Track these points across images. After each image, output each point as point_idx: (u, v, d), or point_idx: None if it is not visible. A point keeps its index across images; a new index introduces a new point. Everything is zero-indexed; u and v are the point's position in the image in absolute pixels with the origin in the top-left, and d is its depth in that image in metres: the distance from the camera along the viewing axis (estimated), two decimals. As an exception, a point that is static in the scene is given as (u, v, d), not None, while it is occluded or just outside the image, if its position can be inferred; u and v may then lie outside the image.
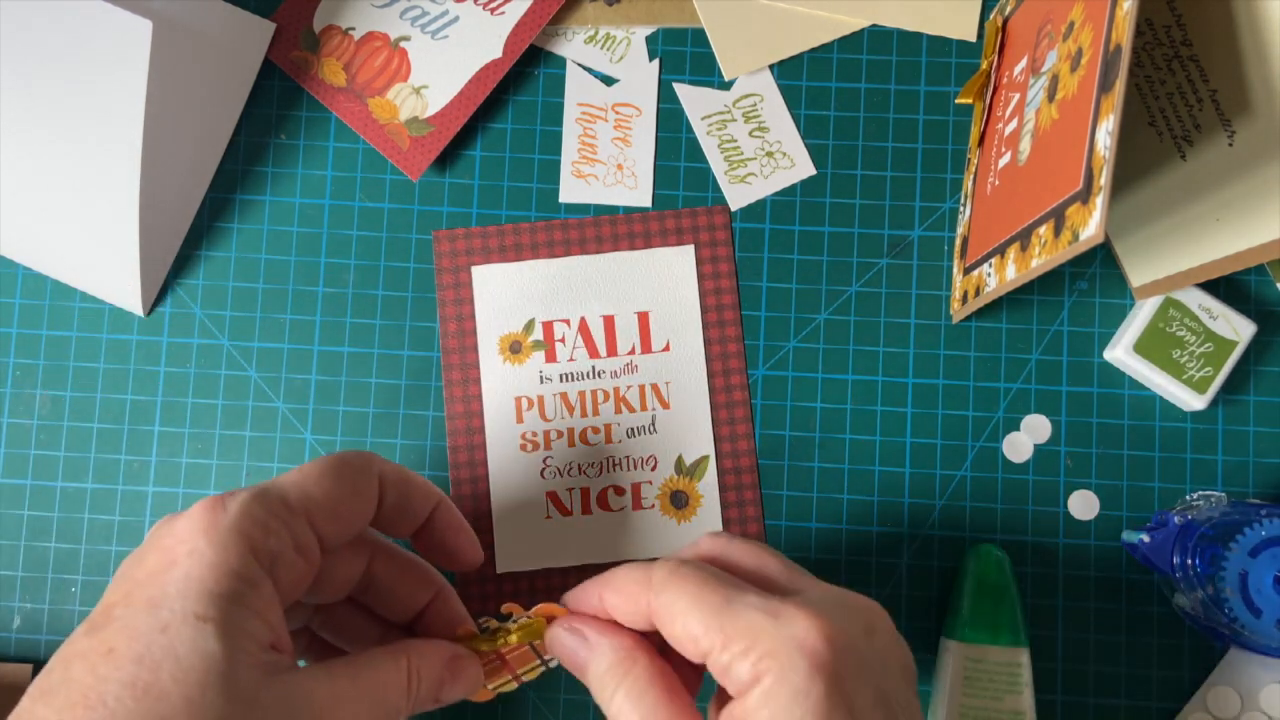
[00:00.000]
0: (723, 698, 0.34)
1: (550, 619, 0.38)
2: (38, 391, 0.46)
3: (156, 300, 0.47)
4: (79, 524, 0.45)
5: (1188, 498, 0.44)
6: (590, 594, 0.36)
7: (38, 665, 0.44)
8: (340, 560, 0.37)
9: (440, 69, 0.47)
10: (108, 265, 0.45)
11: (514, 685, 0.40)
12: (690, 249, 0.46)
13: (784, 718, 0.31)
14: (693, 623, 0.33)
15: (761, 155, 0.47)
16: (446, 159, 0.47)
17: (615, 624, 0.36)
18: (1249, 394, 0.46)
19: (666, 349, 0.46)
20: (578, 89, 0.48)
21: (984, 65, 0.46)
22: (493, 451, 0.46)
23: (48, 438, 0.46)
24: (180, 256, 0.47)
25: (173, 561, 0.31)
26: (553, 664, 0.39)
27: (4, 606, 0.45)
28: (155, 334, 0.46)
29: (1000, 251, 0.40)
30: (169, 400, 0.46)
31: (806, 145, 0.47)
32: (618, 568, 0.36)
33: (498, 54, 0.47)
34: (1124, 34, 0.32)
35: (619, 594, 0.35)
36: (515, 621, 0.38)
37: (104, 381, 0.46)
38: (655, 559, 0.36)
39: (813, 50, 0.48)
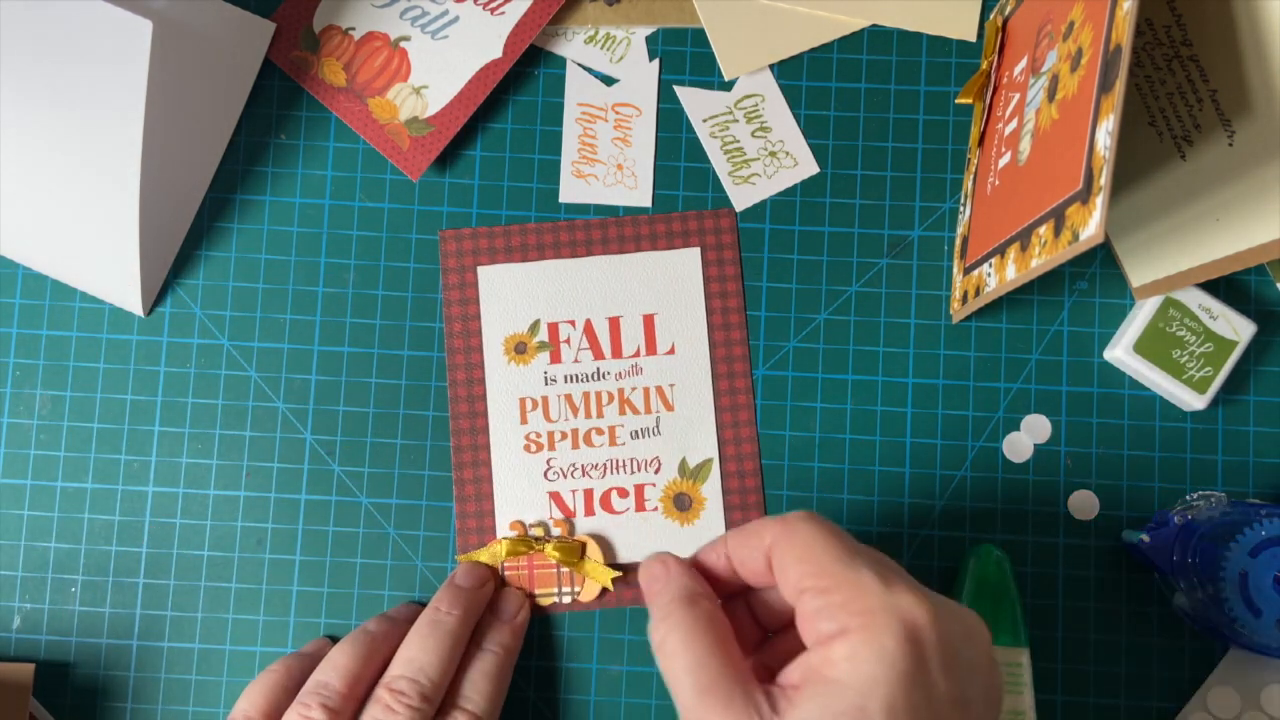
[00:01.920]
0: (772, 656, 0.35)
1: (584, 545, 0.44)
2: (38, 391, 0.46)
3: (156, 300, 0.47)
4: (79, 524, 0.45)
5: (1188, 498, 0.44)
6: (717, 543, 0.37)
7: (37, 665, 0.44)
8: None
9: (440, 69, 0.47)
10: (108, 265, 0.45)
11: (528, 600, 0.44)
12: (696, 251, 0.46)
13: (865, 673, 0.30)
14: (806, 564, 0.33)
15: (765, 155, 0.47)
16: (446, 159, 0.47)
17: (699, 575, 0.37)
18: (1249, 394, 0.46)
19: (671, 351, 0.46)
20: (578, 89, 0.48)
21: (984, 65, 0.46)
22: (496, 452, 0.46)
23: (48, 438, 0.46)
24: (180, 256, 0.47)
25: None
26: (565, 600, 0.45)
27: (4, 606, 0.45)
28: (155, 334, 0.46)
29: (1000, 251, 0.40)
30: (169, 400, 0.46)
31: (808, 144, 0.47)
32: None
33: (498, 54, 0.47)
34: (1124, 34, 0.32)
35: (740, 537, 0.36)
36: (557, 538, 0.44)
37: (104, 381, 0.46)
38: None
39: (813, 50, 0.48)
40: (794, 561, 0.33)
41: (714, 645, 0.34)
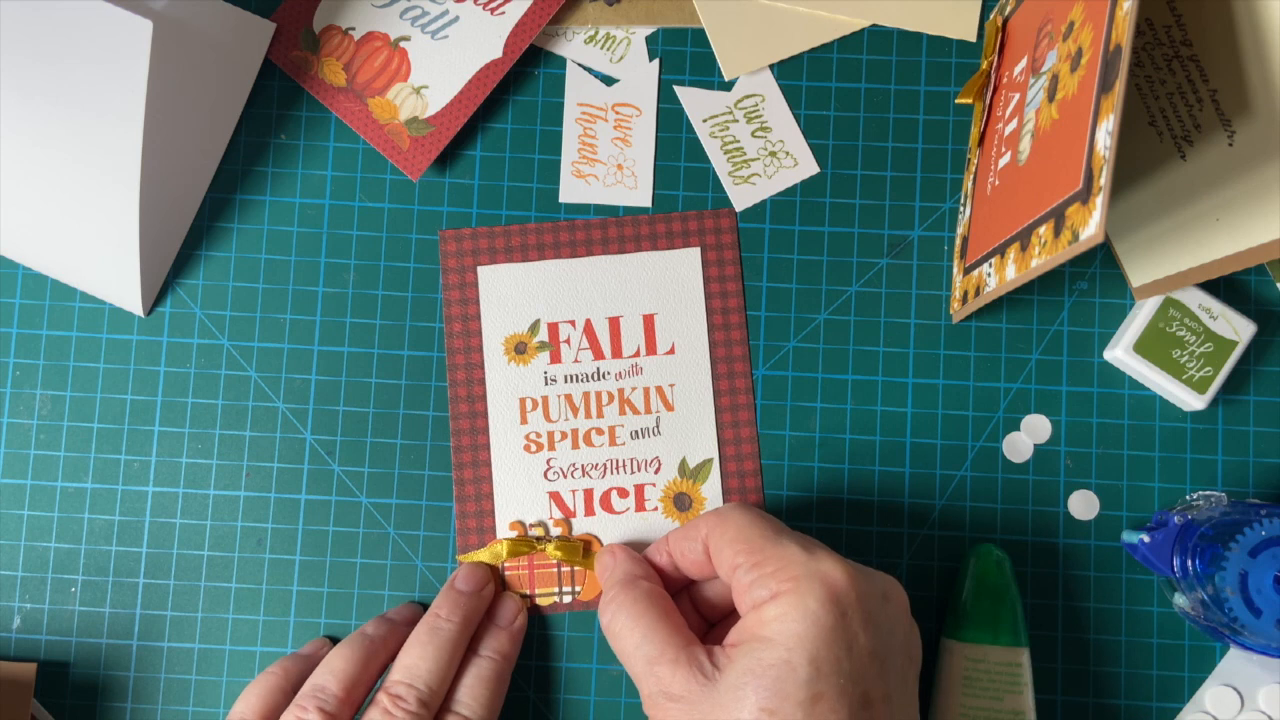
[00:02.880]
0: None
1: (587, 543, 0.45)
2: (38, 391, 0.46)
3: (156, 300, 0.47)
4: (79, 524, 0.45)
5: (1188, 498, 0.44)
6: (660, 542, 0.42)
7: (37, 665, 0.44)
8: None
9: (440, 69, 0.47)
10: (108, 265, 0.45)
11: (526, 603, 0.45)
12: (696, 251, 0.46)
13: (791, 630, 0.34)
14: (738, 544, 0.37)
15: (765, 155, 0.47)
16: (446, 159, 0.47)
17: (643, 560, 0.42)
18: (1249, 394, 0.46)
19: (671, 351, 0.46)
20: (578, 89, 0.48)
21: (984, 65, 0.46)
22: (496, 452, 0.46)
23: (48, 438, 0.46)
24: (180, 256, 0.47)
25: None
26: (565, 599, 0.45)
27: (4, 606, 0.45)
28: (155, 334, 0.46)
29: (1000, 251, 0.40)
30: (169, 400, 0.46)
31: (808, 144, 0.47)
32: None
33: (498, 54, 0.47)
34: (1124, 34, 0.32)
35: (680, 532, 0.41)
36: (559, 537, 0.45)
37: (104, 381, 0.46)
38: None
39: (813, 50, 0.48)
40: (728, 543, 0.38)
41: (657, 619, 0.38)
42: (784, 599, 0.35)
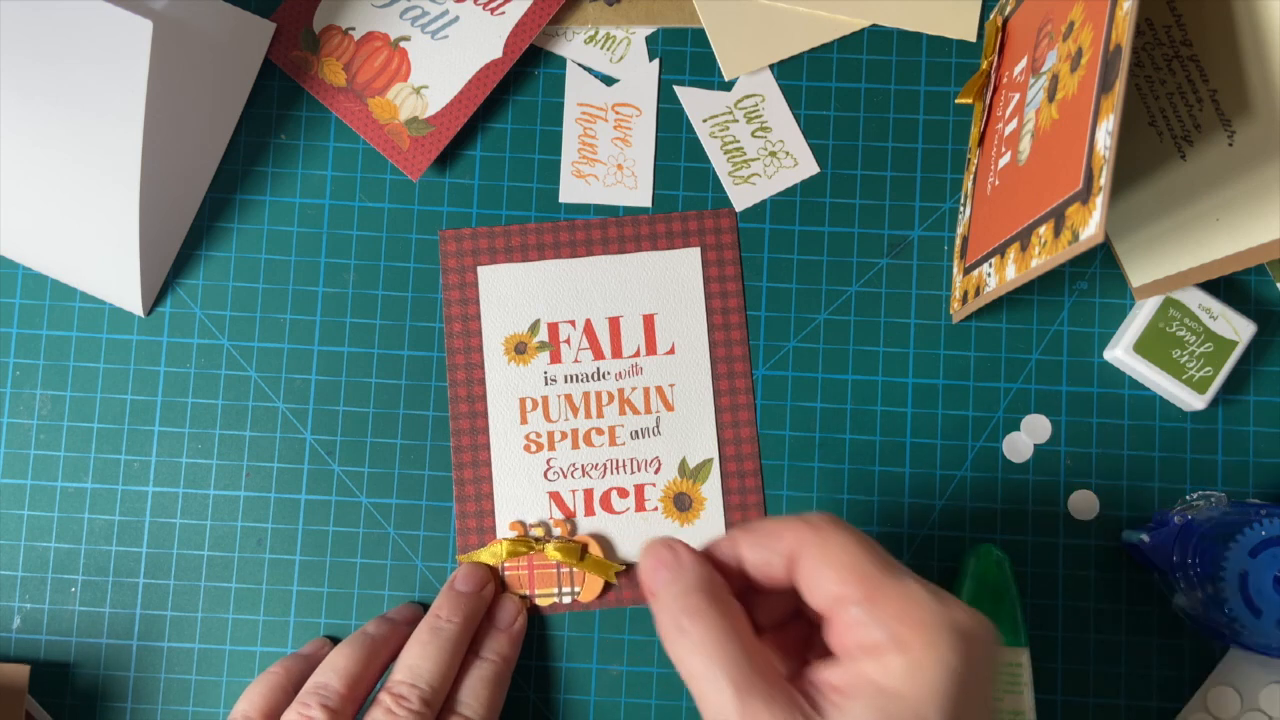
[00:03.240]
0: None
1: (585, 545, 0.45)
2: (38, 391, 0.46)
3: (156, 300, 0.47)
4: (79, 524, 0.45)
5: (1188, 498, 0.44)
6: (727, 543, 0.35)
7: (37, 665, 0.44)
8: None
9: (440, 69, 0.47)
10: (108, 265, 0.45)
11: (526, 604, 0.45)
12: (696, 251, 0.46)
13: (926, 684, 0.30)
14: (845, 572, 0.32)
15: (765, 155, 0.47)
16: (446, 159, 0.47)
17: (713, 566, 0.35)
18: (1249, 394, 0.46)
19: (671, 351, 0.46)
20: (578, 89, 0.48)
21: (984, 65, 0.46)
22: (496, 452, 0.46)
23: (48, 438, 0.46)
24: (180, 256, 0.47)
25: None
26: (565, 600, 0.45)
27: (4, 606, 0.45)
28: (155, 334, 0.46)
29: (1000, 251, 0.40)
30: (169, 400, 0.46)
31: (808, 144, 0.47)
32: None
33: (498, 54, 0.47)
34: (1124, 34, 0.32)
35: (755, 539, 0.35)
36: (558, 538, 0.45)
37: (104, 381, 0.46)
38: None
39: (813, 50, 0.48)
40: (831, 569, 0.33)
41: (749, 643, 0.32)
42: (916, 649, 0.31)
